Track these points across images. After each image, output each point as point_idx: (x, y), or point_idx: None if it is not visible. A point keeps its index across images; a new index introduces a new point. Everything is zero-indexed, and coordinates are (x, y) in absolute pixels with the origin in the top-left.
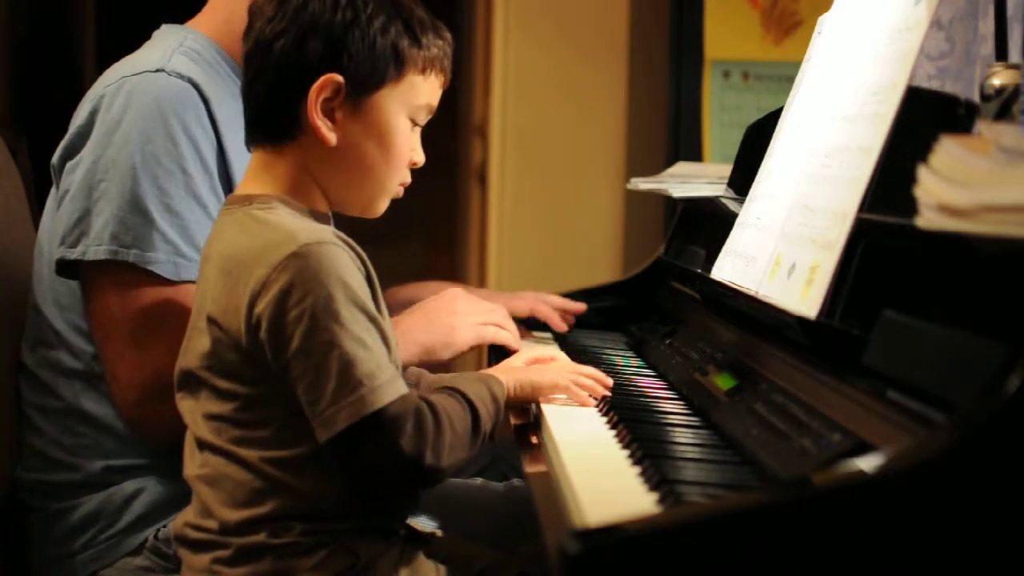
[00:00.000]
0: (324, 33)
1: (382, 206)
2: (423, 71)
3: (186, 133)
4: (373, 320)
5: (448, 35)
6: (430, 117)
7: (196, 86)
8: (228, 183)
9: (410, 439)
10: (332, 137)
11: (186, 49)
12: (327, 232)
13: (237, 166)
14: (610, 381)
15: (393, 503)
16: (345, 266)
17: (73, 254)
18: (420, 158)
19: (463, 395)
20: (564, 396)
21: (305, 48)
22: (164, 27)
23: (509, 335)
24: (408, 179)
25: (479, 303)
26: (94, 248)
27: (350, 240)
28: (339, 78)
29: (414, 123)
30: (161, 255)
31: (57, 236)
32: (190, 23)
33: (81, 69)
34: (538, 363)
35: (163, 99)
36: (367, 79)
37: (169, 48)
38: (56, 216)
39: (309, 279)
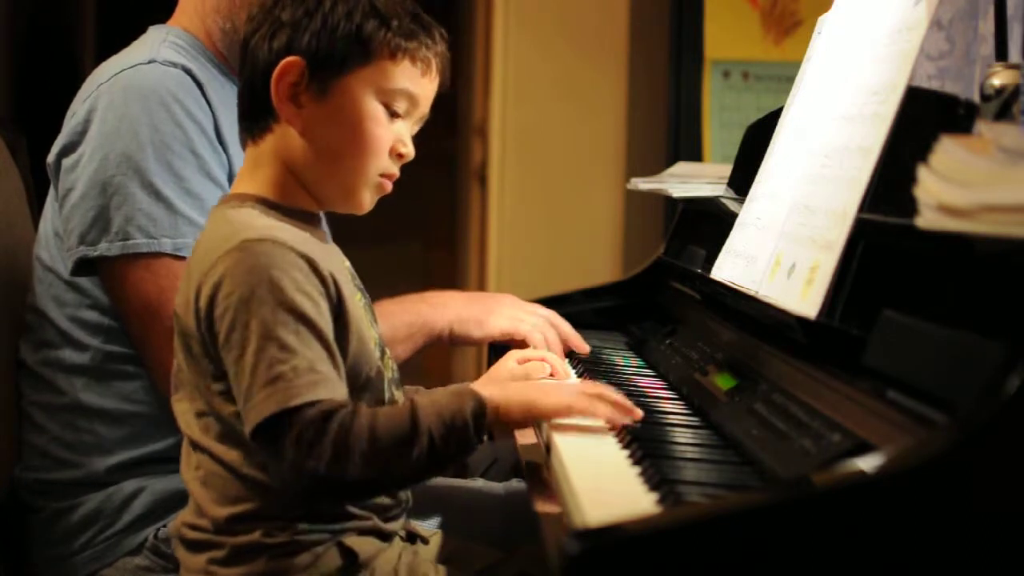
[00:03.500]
0: (290, 23)
1: (363, 199)
2: (393, 56)
3: (190, 116)
4: (306, 322)
5: (437, 30)
6: (417, 110)
7: (188, 71)
8: (228, 166)
9: (309, 444)
10: (297, 121)
11: (170, 42)
12: (280, 232)
13: (233, 149)
14: (639, 413)
15: (324, 503)
16: (282, 266)
17: (96, 251)
18: (408, 151)
19: (412, 410)
20: (576, 421)
21: (273, 40)
22: (149, 29)
23: (541, 340)
24: (393, 171)
25: (529, 305)
26: (120, 243)
27: (309, 252)
28: (300, 60)
29: (393, 112)
30: (191, 239)
31: (71, 235)
32: (168, 23)
33: (81, 68)
34: (529, 361)
35: (162, 87)
36: (329, 61)
37: (155, 43)
38: (62, 216)
39: (238, 275)
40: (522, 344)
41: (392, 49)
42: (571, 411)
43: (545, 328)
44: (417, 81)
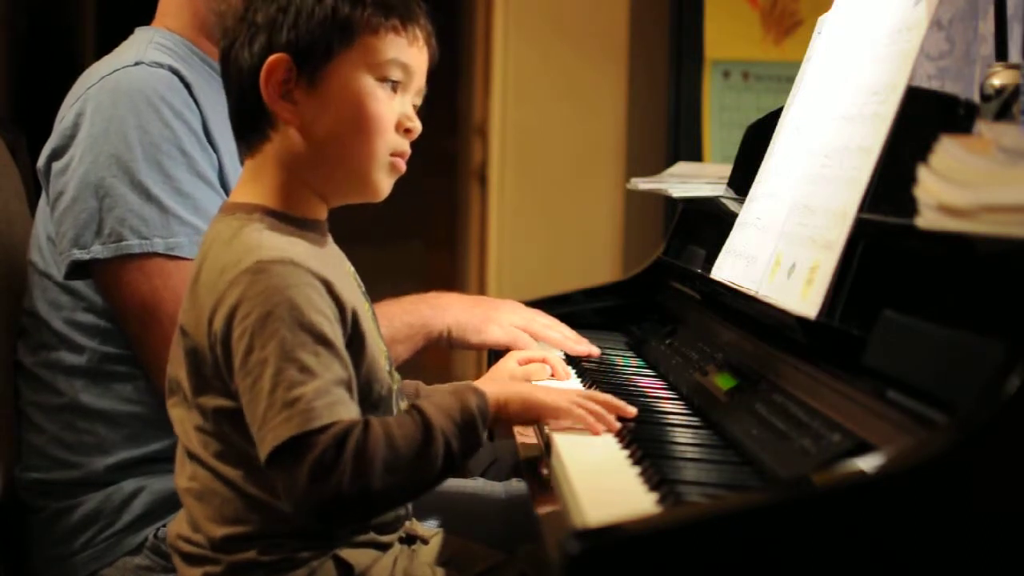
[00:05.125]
0: (265, 25)
1: (381, 182)
2: (375, 32)
3: (178, 116)
4: (325, 343)
5: (415, 1)
6: (413, 82)
7: (175, 71)
8: (218, 165)
9: (329, 466)
10: (295, 119)
11: (156, 44)
12: (294, 251)
13: (222, 147)
14: (632, 410)
15: (338, 526)
16: (299, 286)
17: (89, 253)
18: (415, 125)
19: (422, 414)
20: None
21: (253, 45)
22: (135, 31)
23: (537, 349)
24: (403, 148)
25: (529, 311)
26: (112, 244)
27: (324, 272)
28: (283, 55)
29: (392, 86)
30: (183, 239)
31: (64, 239)
32: (154, 24)
33: (81, 68)
34: (530, 363)
35: (149, 88)
36: (313, 50)
37: (142, 44)
38: (54, 220)
39: (255, 296)
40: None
41: (373, 25)
42: (567, 415)
43: (545, 334)
44: (405, 51)
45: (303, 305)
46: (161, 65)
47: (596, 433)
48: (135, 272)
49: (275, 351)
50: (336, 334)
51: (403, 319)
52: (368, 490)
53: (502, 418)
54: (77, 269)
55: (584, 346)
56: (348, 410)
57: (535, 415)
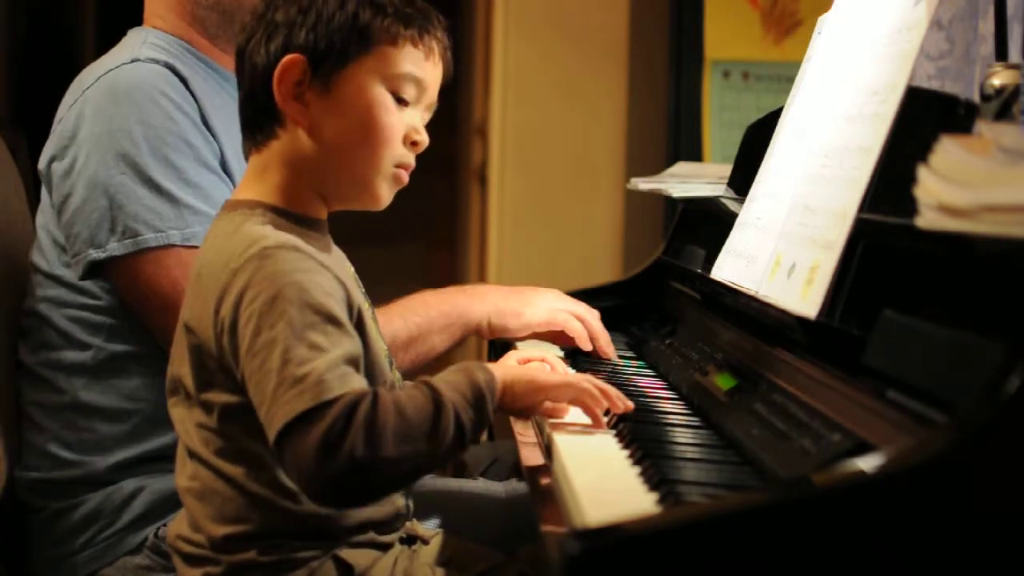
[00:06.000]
0: (284, 24)
1: (381, 191)
2: (394, 42)
3: (179, 109)
4: (333, 322)
5: (435, 16)
6: (425, 96)
7: (171, 67)
8: (220, 153)
9: (340, 434)
10: (304, 120)
11: (151, 43)
12: (297, 240)
13: (222, 137)
14: (630, 404)
15: (348, 503)
16: (304, 271)
17: (105, 252)
18: (422, 138)
19: (430, 387)
20: (575, 420)
21: (270, 43)
22: (128, 32)
23: (580, 328)
24: (408, 160)
25: (570, 299)
26: (129, 240)
27: (326, 261)
28: (300, 56)
29: (401, 99)
30: (197, 228)
31: (77, 240)
32: (144, 25)
33: (81, 68)
34: (529, 362)
35: (147, 84)
36: (329, 54)
37: (136, 44)
38: (63, 222)
39: (262, 280)
40: (560, 335)
41: (392, 35)
42: (572, 389)
43: (585, 316)
44: (421, 65)
45: (310, 287)
46: (157, 61)
47: (594, 416)
48: (153, 266)
49: (283, 331)
50: (344, 314)
51: (439, 308)
52: (380, 460)
53: (507, 399)
54: (93, 269)
55: (611, 348)
56: (358, 382)
57: (541, 396)
